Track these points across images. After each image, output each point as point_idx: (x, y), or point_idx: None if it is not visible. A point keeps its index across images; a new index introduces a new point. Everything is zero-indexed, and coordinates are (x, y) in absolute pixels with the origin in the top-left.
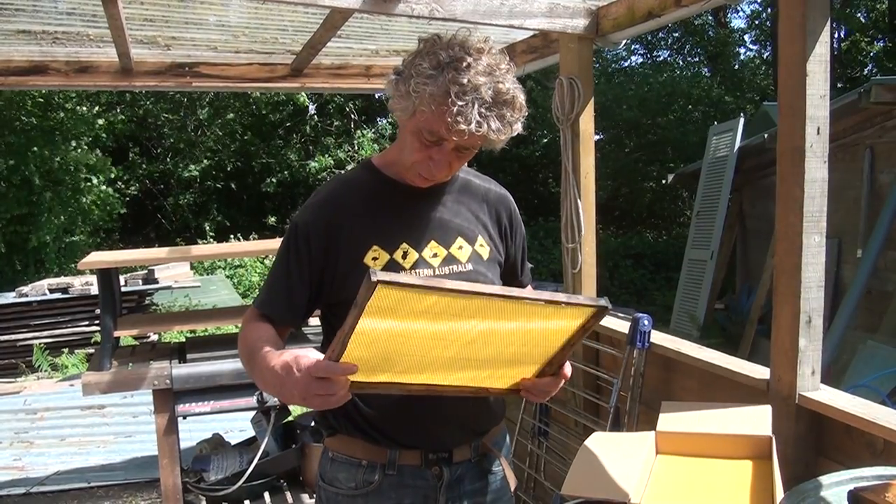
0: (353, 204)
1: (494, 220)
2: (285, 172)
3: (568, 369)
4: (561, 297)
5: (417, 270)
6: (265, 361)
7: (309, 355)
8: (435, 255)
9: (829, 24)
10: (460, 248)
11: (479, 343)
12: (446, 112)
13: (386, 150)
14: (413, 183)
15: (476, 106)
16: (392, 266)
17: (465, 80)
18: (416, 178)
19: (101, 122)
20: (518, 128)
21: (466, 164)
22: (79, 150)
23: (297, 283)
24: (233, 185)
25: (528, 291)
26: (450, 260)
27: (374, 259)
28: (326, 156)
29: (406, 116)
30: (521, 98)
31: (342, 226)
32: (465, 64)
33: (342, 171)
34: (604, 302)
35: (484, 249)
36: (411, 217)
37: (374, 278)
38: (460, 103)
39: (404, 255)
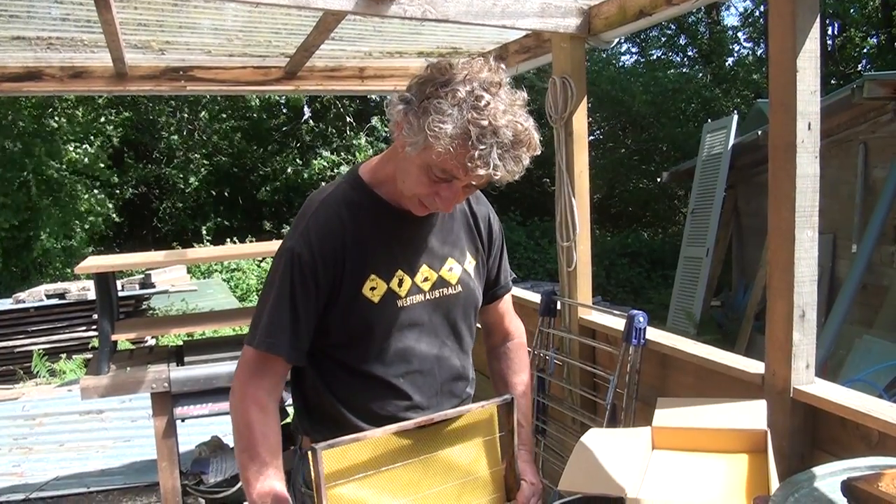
0: (350, 230)
1: (476, 232)
2: (281, 178)
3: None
4: (473, 406)
5: (410, 297)
6: (259, 482)
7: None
8: (426, 280)
9: (818, 19)
10: (450, 269)
11: (440, 471)
12: (465, 155)
13: (376, 164)
14: (410, 209)
15: (495, 149)
16: (390, 296)
17: (485, 123)
18: (417, 206)
19: (94, 121)
20: (527, 163)
21: None
22: (75, 154)
23: (303, 319)
24: (229, 189)
25: (439, 414)
26: (439, 283)
27: (373, 289)
28: (320, 159)
29: (415, 151)
30: (536, 137)
31: (344, 254)
32: (483, 102)
33: (327, 185)
34: (509, 396)
35: (472, 264)
36: (405, 242)
37: (315, 448)
38: (481, 147)
39: (400, 283)
